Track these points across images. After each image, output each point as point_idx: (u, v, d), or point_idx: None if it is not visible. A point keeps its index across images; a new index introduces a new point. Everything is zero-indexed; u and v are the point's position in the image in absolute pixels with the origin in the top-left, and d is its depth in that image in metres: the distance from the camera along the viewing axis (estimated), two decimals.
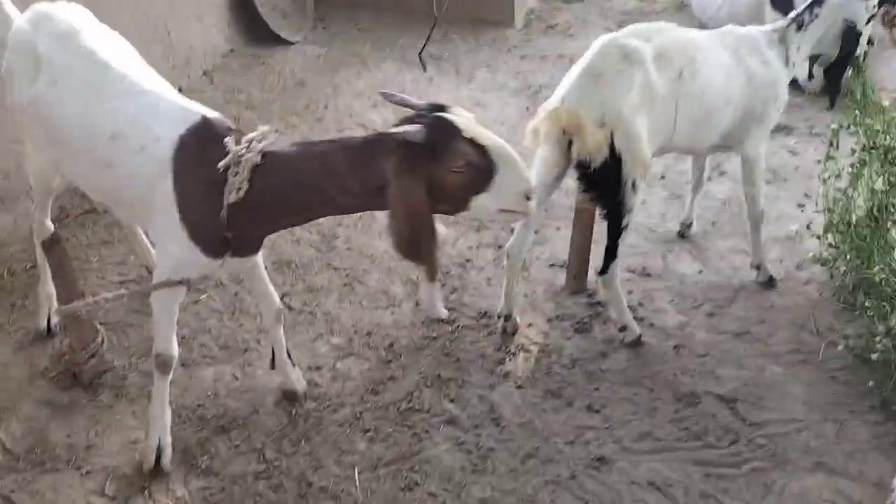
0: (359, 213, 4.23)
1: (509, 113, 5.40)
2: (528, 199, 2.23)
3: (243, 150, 2.31)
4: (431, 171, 2.13)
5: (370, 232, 4.12)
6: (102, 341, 3.06)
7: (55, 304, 3.24)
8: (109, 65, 2.59)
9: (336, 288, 3.70)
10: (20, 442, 2.83)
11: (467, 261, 3.93)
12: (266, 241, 3.90)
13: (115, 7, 4.44)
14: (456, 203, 2.22)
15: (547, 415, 3.03)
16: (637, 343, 3.36)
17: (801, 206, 4.30)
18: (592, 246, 3.65)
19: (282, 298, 3.57)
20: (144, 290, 2.88)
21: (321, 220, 4.15)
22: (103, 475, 2.71)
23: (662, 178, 4.67)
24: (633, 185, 3.09)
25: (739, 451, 2.87)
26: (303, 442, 2.88)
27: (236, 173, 2.30)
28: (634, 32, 3.21)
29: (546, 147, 3.10)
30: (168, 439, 2.73)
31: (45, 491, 2.65)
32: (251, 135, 2.37)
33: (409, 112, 2.23)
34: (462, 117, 2.17)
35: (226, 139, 2.36)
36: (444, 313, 2.45)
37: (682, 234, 4.11)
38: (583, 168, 3.06)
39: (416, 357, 3.30)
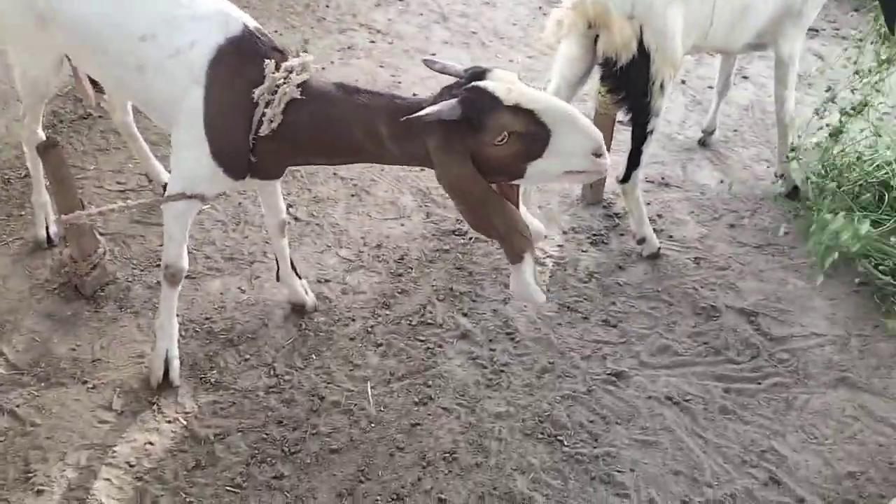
0: None
1: (521, 13, 5.12)
2: (599, 156, 2.00)
3: (281, 80, 2.15)
4: (473, 147, 1.98)
5: None
6: (104, 252, 2.95)
7: (52, 213, 3.12)
8: None
9: (343, 198, 3.56)
10: (24, 355, 2.76)
11: None
12: None
13: None
14: (511, 173, 2.05)
15: (562, 329, 2.96)
16: (655, 256, 3.25)
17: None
18: (611, 155, 3.48)
19: (287, 209, 3.45)
20: (155, 201, 2.73)
21: None
22: (110, 389, 2.65)
23: (683, 82, 4.46)
24: (662, 85, 2.90)
25: (760, 366, 2.81)
26: (313, 356, 2.82)
27: (269, 103, 2.17)
28: None
29: (570, 42, 2.91)
30: (176, 352, 2.66)
31: (52, 405, 2.60)
32: (291, 62, 2.19)
33: (450, 81, 2.04)
34: (502, 82, 1.97)
35: (266, 61, 2.18)
36: (541, 298, 2.11)
37: (704, 143, 3.93)
38: (608, 66, 2.86)
39: (428, 270, 3.20)
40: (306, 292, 2.96)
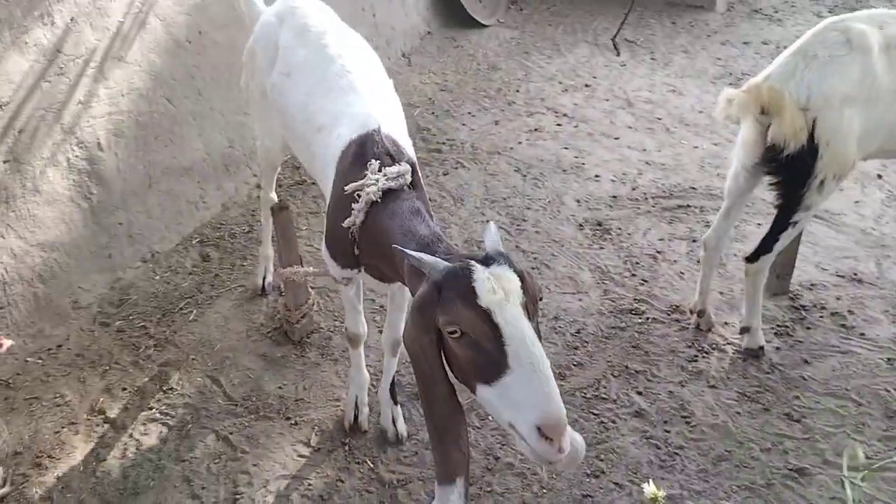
0: (548, 198, 4.27)
1: (708, 100, 5.18)
2: (548, 438, 1.61)
3: (372, 182, 2.18)
4: (435, 322, 1.75)
5: (558, 217, 4.13)
6: (313, 304, 3.29)
7: (271, 266, 3.53)
8: (334, 61, 2.68)
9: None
10: (238, 389, 3.12)
11: (658, 252, 3.84)
12: (458, 219, 4.08)
13: None
14: (464, 379, 1.78)
15: (741, 418, 2.92)
16: (754, 354, 3.13)
17: None
18: (801, 247, 3.44)
19: None
20: (320, 272, 2.81)
21: (511, 202, 4.22)
22: (309, 427, 2.93)
23: (879, 177, 4.31)
24: (823, 182, 2.82)
25: None
26: (490, 418, 2.96)
27: (357, 200, 2.21)
28: (868, 17, 2.92)
29: (747, 126, 2.91)
30: (365, 399, 2.91)
31: (259, 436, 2.91)
32: (391, 168, 2.21)
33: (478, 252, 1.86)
34: (499, 282, 1.69)
35: (371, 161, 2.24)
36: None
37: None
38: (775, 151, 2.82)
39: (604, 346, 3.28)
40: (394, 421, 2.86)
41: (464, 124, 4.97)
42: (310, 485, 2.72)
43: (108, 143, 3.50)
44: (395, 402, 2.87)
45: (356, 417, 2.91)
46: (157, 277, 3.70)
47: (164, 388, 3.13)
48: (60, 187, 3.35)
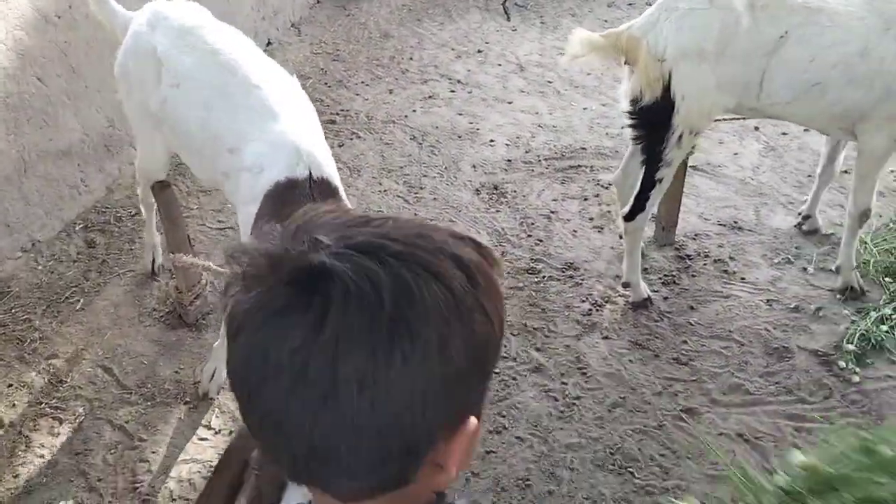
0: (444, 165, 4.29)
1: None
2: None
3: None
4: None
5: (455, 183, 4.16)
6: (206, 283, 3.21)
7: (159, 248, 3.42)
8: (233, 71, 2.51)
9: None
10: (132, 377, 3.02)
11: (552, 212, 3.93)
12: (356, 191, 4.05)
13: None
14: None
15: (634, 366, 3.04)
16: (641, 306, 3.25)
17: None
18: (684, 199, 3.59)
19: None
20: (218, 271, 2.71)
21: (408, 171, 4.23)
22: (210, 409, 2.87)
23: (756, 129, 4.53)
24: (681, 137, 2.89)
25: (832, 406, 2.83)
26: None
27: None
28: None
29: (625, 79, 2.99)
30: (223, 374, 2.86)
31: (156, 422, 2.84)
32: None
33: None
34: None
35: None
36: None
37: (800, 226, 3.67)
38: (634, 102, 2.90)
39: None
40: None
41: (358, 94, 4.92)
42: (212, 466, 2.67)
43: None
44: None
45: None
46: (40, 267, 3.52)
47: (54, 382, 3.00)
48: None
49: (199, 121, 2.57)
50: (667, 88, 2.83)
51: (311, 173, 2.32)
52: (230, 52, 2.58)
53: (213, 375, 2.90)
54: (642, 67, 2.83)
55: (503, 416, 2.85)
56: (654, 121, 2.90)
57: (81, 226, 3.74)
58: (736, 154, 4.34)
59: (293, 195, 2.29)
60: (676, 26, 2.83)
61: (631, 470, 2.63)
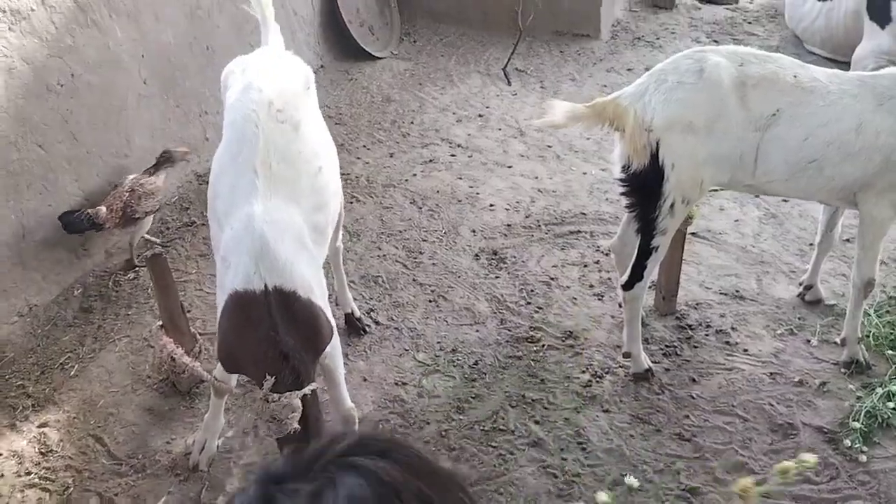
0: (443, 229, 4.29)
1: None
2: None
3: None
4: None
5: (455, 248, 4.15)
6: (199, 351, 3.18)
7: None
8: (251, 144, 2.43)
9: (422, 304, 3.74)
10: (123, 447, 2.96)
11: (552, 279, 3.90)
12: (354, 255, 4.04)
13: (215, 25, 4.63)
14: None
15: (635, 441, 2.98)
16: (644, 377, 3.21)
17: None
18: (685, 266, 3.57)
19: (368, 313, 3.65)
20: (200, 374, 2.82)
21: (407, 235, 4.22)
22: (200, 482, 2.81)
23: (756, 196, 4.53)
24: (673, 206, 2.90)
25: (839, 488, 2.75)
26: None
27: None
28: (731, 52, 2.96)
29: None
30: (213, 447, 2.87)
31: (146, 495, 2.77)
32: (278, 403, 2.19)
33: None
34: None
35: (266, 377, 2.22)
36: None
37: (803, 297, 3.64)
38: (625, 169, 2.92)
39: (501, 376, 3.30)
40: None
41: (358, 157, 4.95)
42: None
43: None
44: None
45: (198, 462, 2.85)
46: (36, 332, 3.49)
47: (44, 451, 2.95)
48: None
49: (216, 171, 2.55)
50: (655, 156, 2.84)
51: (266, 286, 2.21)
52: (262, 125, 2.44)
53: (203, 447, 2.84)
54: (629, 135, 2.86)
55: (500, 494, 2.77)
56: (645, 188, 2.91)
57: (79, 290, 3.72)
58: (737, 221, 4.33)
59: (252, 308, 2.21)
60: (664, 98, 2.85)
61: None
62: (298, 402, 2.17)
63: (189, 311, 3.50)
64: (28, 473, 2.87)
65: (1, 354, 3.35)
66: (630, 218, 3.16)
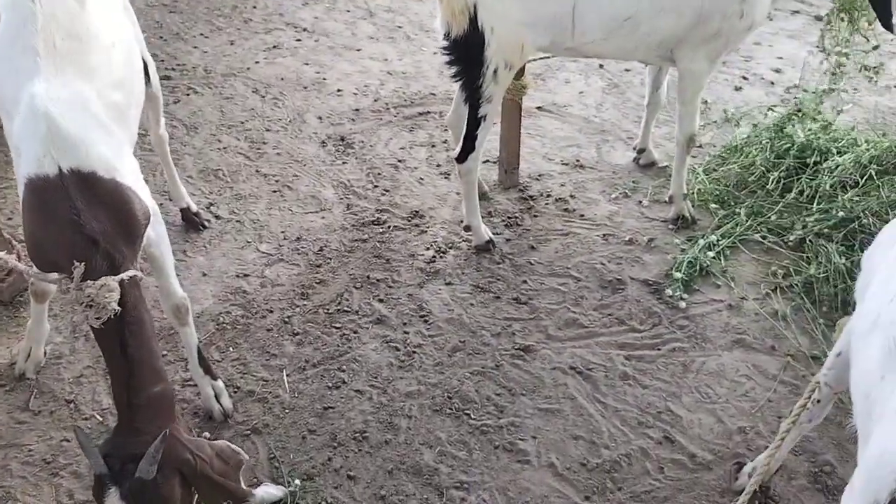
0: (288, 118, 4.15)
1: None
2: None
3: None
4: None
5: (300, 136, 4.03)
6: (18, 257, 2.99)
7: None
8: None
9: (265, 195, 3.64)
10: None
11: (399, 161, 3.87)
12: (192, 149, 3.86)
13: None
14: None
15: (475, 309, 3.06)
16: (486, 248, 3.29)
17: (738, 88, 4.26)
18: (529, 140, 3.60)
19: (209, 207, 3.53)
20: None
21: (250, 125, 4.06)
22: (27, 390, 2.70)
23: (601, 66, 4.58)
24: (496, 72, 2.88)
25: (660, 334, 2.93)
26: (231, 348, 2.89)
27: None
28: None
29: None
30: (40, 354, 2.77)
31: None
32: (90, 289, 2.02)
33: None
34: None
35: (74, 263, 2.04)
36: None
37: (637, 161, 3.76)
38: (446, 35, 2.87)
39: (347, 260, 3.29)
40: (218, 398, 2.63)
41: (196, 47, 4.66)
42: (31, 451, 2.52)
43: None
44: (214, 377, 2.64)
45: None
46: None
47: None
48: None
49: None
50: (474, 21, 2.79)
51: (60, 169, 2.04)
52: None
53: (28, 355, 2.72)
54: (447, 2, 2.79)
55: (342, 371, 2.81)
56: (468, 55, 2.86)
57: None
58: (581, 93, 4.39)
59: (49, 194, 2.05)
60: None
61: (467, 412, 2.66)
62: (115, 284, 2.06)
63: (10, 219, 3.29)
64: None
65: None
66: (459, 89, 3.13)
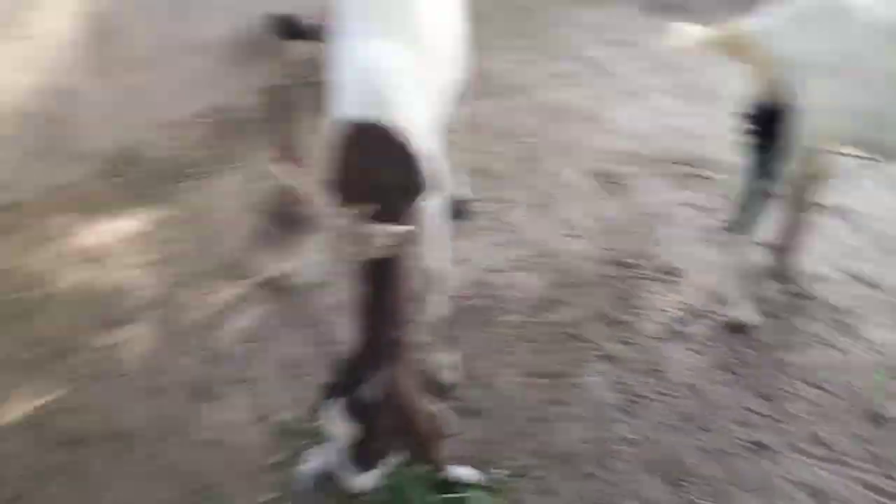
0: (562, 143, 4.17)
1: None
2: None
3: None
4: None
5: (569, 162, 4.08)
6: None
7: None
8: None
9: (525, 206, 3.70)
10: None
11: (664, 213, 3.75)
12: (467, 147, 3.99)
13: None
14: None
15: (715, 386, 2.83)
16: (739, 329, 3.03)
17: None
18: (815, 240, 3.35)
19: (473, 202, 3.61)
20: None
21: (525, 141, 4.13)
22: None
23: None
24: (792, 154, 2.66)
25: None
26: (469, 331, 2.94)
27: None
28: None
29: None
30: None
31: None
32: None
33: None
34: None
35: None
36: None
37: None
38: (747, 103, 2.73)
39: (591, 291, 3.21)
40: (446, 370, 2.68)
41: (492, 57, 4.84)
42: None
43: None
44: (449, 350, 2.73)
45: None
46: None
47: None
48: None
49: None
50: (782, 95, 2.62)
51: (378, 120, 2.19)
52: None
53: None
54: (758, 68, 2.65)
55: (565, 391, 2.73)
56: (766, 128, 2.70)
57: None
58: (886, 205, 4.00)
59: (359, 138, 2.20)
60: (799, 32, 2.60)
61: (683, 483, 2.45)
62: (386, 231, 2.11)
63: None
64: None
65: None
66: (746, 160, 2.96)
